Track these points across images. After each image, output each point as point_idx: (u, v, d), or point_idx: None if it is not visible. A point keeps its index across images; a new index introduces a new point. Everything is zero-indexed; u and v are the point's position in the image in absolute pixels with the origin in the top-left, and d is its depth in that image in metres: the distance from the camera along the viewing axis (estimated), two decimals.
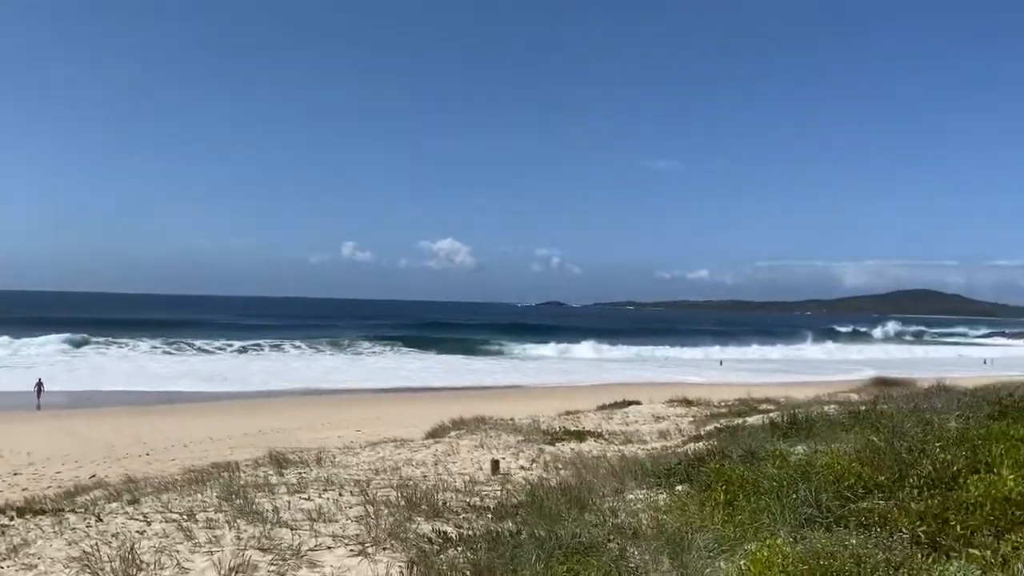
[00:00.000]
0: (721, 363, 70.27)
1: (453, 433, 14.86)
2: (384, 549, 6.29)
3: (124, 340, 68.92)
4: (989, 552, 4.45)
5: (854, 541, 4.72)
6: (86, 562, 6.24)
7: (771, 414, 13.34)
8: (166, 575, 6.01)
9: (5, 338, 63.78)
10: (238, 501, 8.07)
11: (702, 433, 12.60)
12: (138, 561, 6.12)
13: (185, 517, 7.53)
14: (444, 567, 5.60)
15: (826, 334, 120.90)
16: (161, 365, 54.82)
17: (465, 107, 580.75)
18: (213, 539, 6.76)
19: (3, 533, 7.84)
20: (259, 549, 6.39)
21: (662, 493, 7.33)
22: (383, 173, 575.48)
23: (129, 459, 19.93)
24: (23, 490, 15.36)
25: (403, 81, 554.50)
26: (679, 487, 7.33)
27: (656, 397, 20.98)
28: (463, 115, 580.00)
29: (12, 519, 8.46)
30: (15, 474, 18.30)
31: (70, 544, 6.96)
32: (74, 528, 7.63)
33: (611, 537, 5.87)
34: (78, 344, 65.03)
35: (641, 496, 7.45)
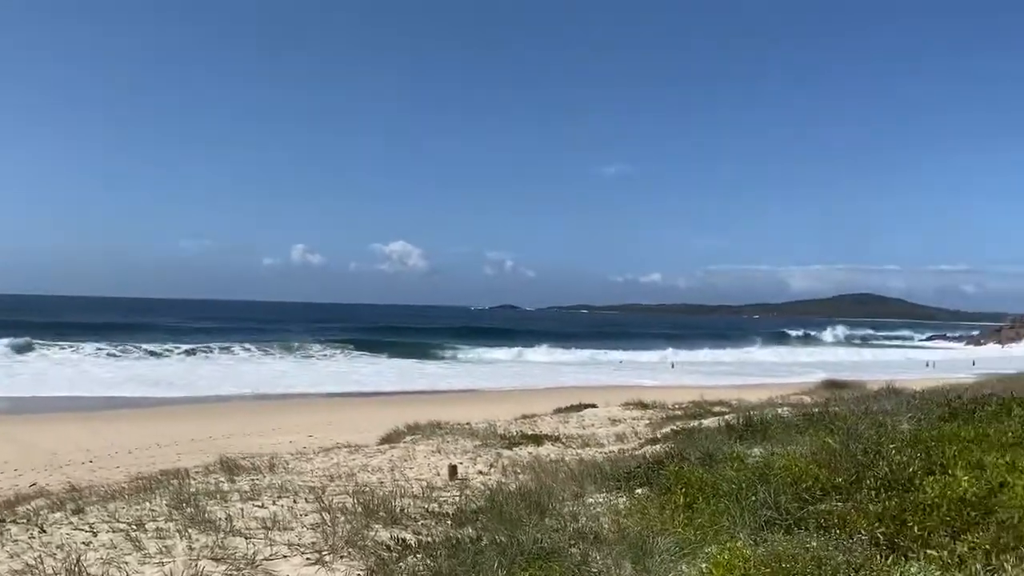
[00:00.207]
0: (673, 366, 70.96)
1: (408, 438, 14.70)
2: (342, 557, 6.17)
3: (69, 343, 66.95)
4: (946, 552, 4.53)
5: (815, 543, 4.76)
6: (30, 575, 6.00)
7: (726, 416, 13.48)
8: None
9: None
10: (189, 509, 7.84)
11: (659, 436, 12.68)
12: (85, 574, 5.89)
13: (133, 527, 7.28)
14: (404, 575, 5.52)
15: (777, 337, 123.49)
16: (105, 369, 53.27)
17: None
18: (164, 549, 6.54)
19: None
20: (212, 559, 6.20)
21: (622, 496, 7.34)
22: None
23: (72, 466, 19.30)
24: None
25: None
26: (639, 490, 7.35)
27: (612, 400, 21.04)
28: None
29: None
30: None
31: (12, 557, 6.67)
32: (16, 540, 7.31)
33: (573, 542, 5.85)
34: (21, 349, 63.04)
35: (601, 500, 7.44)
